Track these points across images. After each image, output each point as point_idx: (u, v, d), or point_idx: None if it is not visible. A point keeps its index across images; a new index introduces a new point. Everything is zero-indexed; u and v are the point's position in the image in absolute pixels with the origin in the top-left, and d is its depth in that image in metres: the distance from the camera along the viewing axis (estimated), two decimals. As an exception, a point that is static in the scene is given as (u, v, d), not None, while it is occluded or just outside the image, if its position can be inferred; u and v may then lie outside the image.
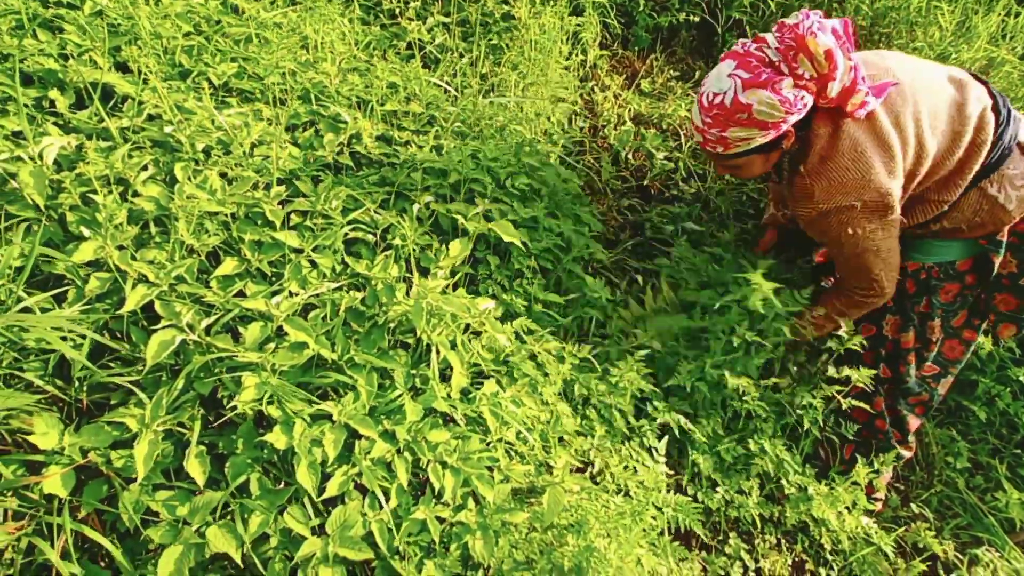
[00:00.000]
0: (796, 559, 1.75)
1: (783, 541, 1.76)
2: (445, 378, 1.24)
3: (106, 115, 1.15)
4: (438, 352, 1.19)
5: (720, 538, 1.71)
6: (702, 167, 2.03)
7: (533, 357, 1.42)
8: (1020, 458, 1.95)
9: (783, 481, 1.66)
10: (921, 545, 1.74)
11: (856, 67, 1.20)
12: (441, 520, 1.18)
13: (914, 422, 1.67)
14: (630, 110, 1.94)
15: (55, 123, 1.13)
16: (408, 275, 1.25)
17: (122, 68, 1.33)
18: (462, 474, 1.18)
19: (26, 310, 0.91)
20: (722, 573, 1.67)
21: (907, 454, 1.73)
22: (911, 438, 1.69)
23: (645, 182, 1.91)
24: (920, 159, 1.28)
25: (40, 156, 1.02)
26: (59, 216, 1.03)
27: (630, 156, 1.88)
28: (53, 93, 1.15)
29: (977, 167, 1.29)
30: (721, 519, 1.70)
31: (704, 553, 1.72)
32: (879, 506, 1.79)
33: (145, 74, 1.25)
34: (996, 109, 1.29)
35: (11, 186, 0.99)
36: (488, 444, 1.25)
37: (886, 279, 1.40)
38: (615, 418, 1.49)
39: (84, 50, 1.25)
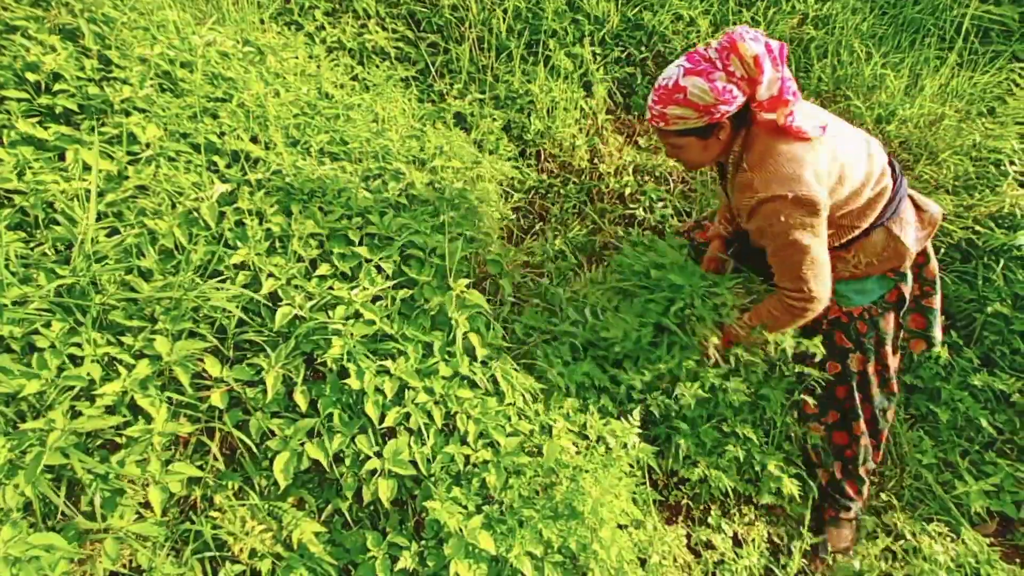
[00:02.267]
0: (771, 533, 2.04)
1: (759, 517, 2.06)
2: (473, 355, 1.69)
3: (248, 170, 1.72)
4: (465, 336, 1.65)
5: (703, 507, 2.04)
6: (690, 206, 2.47)
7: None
8: (983, 456, 2.19)
9: (754, 462, 1.99)
10: (887, 524, 2.01)
11: (784, 79, 1.42)
12: (466, 458, 1.61)
13: (885, 430, 1.93)
14: (629, 161, 2.43)
15: (219, 176, 1.71)
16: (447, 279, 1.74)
17: (254, 140, 1.93)
18: (481, 423, 1.62)
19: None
20: (704, 539, 1.99)
21: (875, 463, 1.97)
22: (882, 446, 1.95)
23: (637, 211, 2.37)
24: (842, 184, 1.54)
25: (211, 196, 1.59)
26: (220, 235, 1.58)
27: (627, 195, 2.36)
28: (215, 157, 1.74)
29: (881, 206, 1.61)
30: (703, 492, 2.03)
31: (690, 523, 2.05)
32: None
33: (271, 143, 1.83)
34: (891, 164, 1.66)
35: (194, 215, 1.56)
36: (503, 404, 1.68)
37: (814, 282, 1.54)
38: (607, 402, 1.89)
39: (233, 129, 1.85)
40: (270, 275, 1.53)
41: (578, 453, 1.73)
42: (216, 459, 1.45)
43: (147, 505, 1.33)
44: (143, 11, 2.00)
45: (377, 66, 2.55)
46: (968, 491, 2.07)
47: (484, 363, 1.69)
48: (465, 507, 1.59)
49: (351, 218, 1.75)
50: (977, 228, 2.26)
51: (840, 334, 1.76)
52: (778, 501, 1.99)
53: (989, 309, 2.30)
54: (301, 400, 1.46)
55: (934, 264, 1.78)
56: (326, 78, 2.26)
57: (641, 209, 2.34)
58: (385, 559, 1.53)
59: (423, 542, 1.59)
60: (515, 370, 1.71)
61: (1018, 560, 2.02)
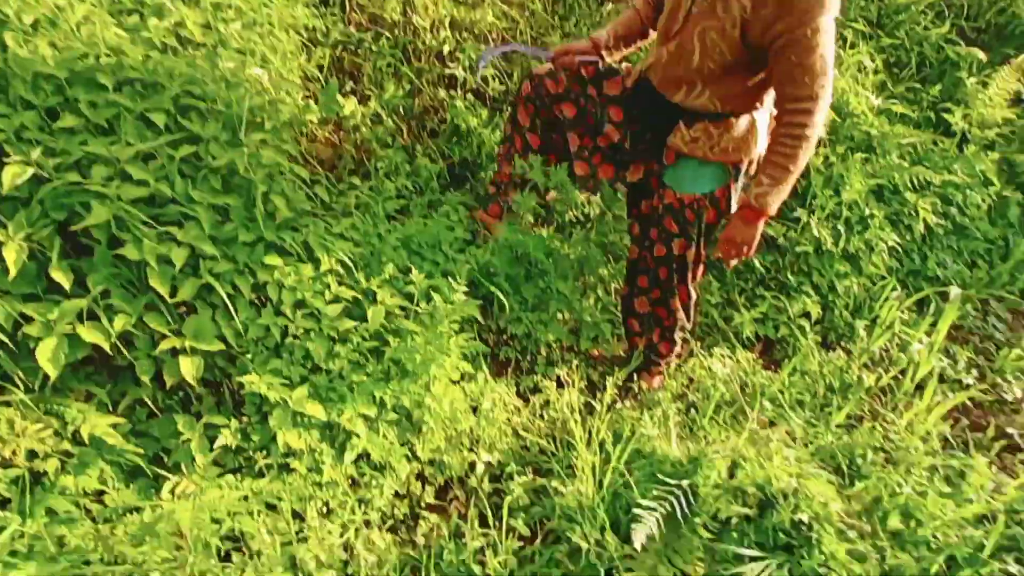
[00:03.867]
0: (590, 375, 2.26)
1: (580, 364, 2.26)
2: (276, 219, 1.53)
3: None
4: (265, 195, 1.48)
5: (530, 359, 2.19)
6: (511, 68, 2.41)
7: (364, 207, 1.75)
8: (755, 291, 2.60)
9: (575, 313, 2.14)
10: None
11: None
12: (284, 329, 1.50)
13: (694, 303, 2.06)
14: (445, 14, 2.26)
15: None
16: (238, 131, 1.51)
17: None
18: (297, 292, 1.50)
19: None
20: (531, 385, 2.13)
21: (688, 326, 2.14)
22: (692, 315, 2.09)
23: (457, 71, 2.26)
24: None
25: None
26: None
27: (446, 53, 2.21)
28: None
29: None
30: (530, 346, 2.16)
31: (519, 374, 2.19)
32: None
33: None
34: None
35: None
36: (320, 272, 1.57)
37: (828, 88, 1.39)
38: (436, 262, 1.86)
39: None
40: (-14, 127, 1.19)
41: (406, 317, 1.71)
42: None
43: None
44: None
45: None
46: (742, 321, 2.46)
47: (294, 228, 1.54)
48: (288, 379, 1.51)
49: (99, 58, 1.40)
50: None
51: (670, 219, 1.79)
52: (595, 347, 2.20)
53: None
54: (62, 278, 1.21)
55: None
56: None
57: (460, 69, 2.23)
58: (203, 439, 1.42)
59: (244, 419, 1.49)
60: (330, 235, 1.59)
61: (773, 368, 2.49)
